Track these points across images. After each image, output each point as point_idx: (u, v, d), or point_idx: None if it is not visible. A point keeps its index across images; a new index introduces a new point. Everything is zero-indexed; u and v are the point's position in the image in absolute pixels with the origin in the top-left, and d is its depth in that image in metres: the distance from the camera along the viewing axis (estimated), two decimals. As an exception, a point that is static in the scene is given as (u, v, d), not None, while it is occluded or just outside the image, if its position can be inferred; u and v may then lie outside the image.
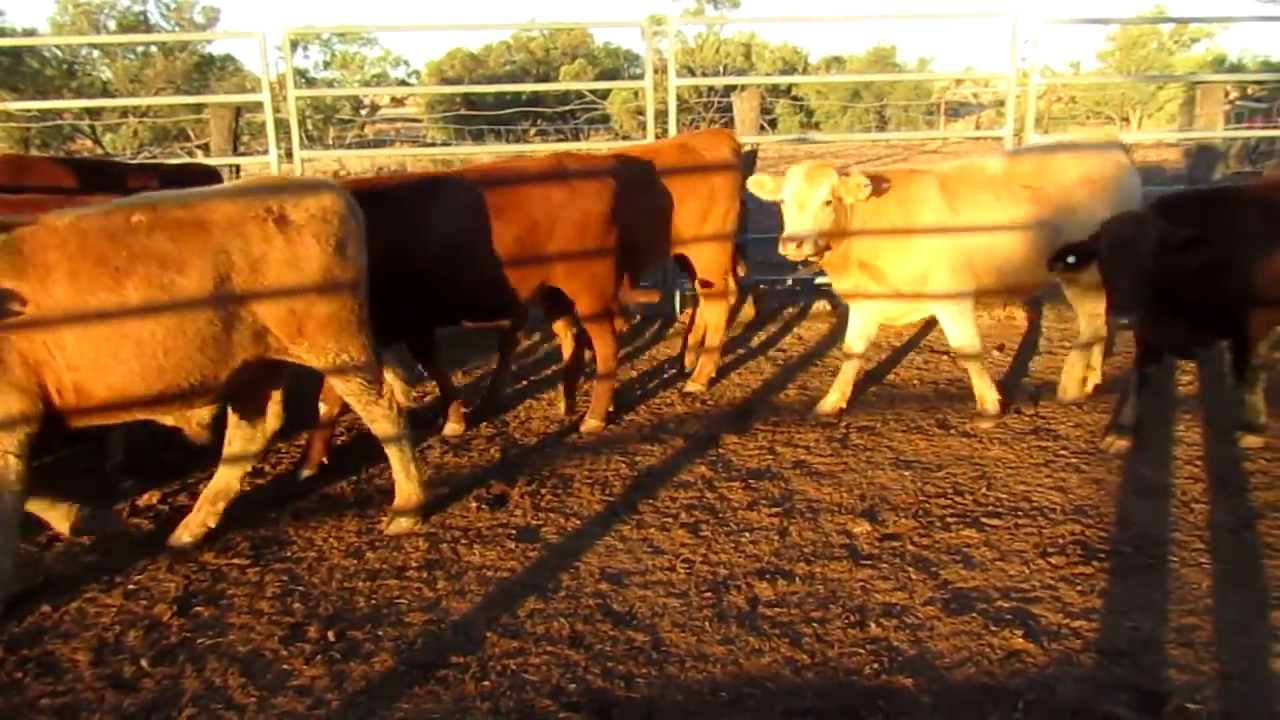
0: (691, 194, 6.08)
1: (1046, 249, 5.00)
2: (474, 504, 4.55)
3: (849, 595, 3.67)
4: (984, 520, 4.23)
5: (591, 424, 5.51)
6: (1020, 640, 3.33)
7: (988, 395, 5.39)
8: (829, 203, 4.94)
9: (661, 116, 8.10)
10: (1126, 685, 3.07)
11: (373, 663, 3.34)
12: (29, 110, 20.83)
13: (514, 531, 4.28)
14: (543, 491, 4.67)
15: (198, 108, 21.54)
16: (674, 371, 6.62)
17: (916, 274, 5.22)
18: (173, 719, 3.08)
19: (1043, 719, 2.93)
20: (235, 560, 4.08)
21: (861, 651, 3.31)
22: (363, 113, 31.43)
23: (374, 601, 3.75)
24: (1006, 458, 4.91)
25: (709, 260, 6.24)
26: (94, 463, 5.12)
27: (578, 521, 4.36)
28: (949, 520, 4.24)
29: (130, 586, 3.91)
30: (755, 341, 7.32)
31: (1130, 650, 3.26)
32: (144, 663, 3.38)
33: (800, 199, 4.97)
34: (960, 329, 5.32)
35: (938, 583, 3.74)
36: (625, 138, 26.56)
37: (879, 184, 5.05)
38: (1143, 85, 24.57)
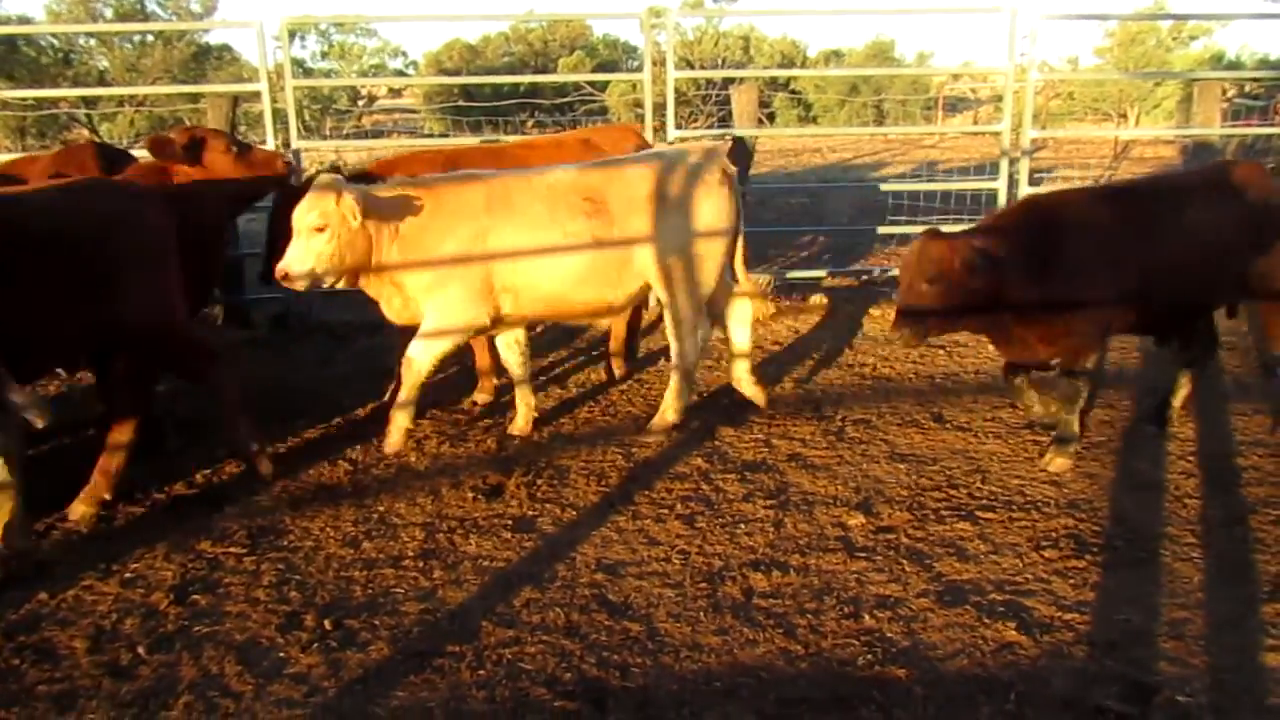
0: None
1: (613, 272, 4.88)
2: (470, 494, 4.56)
3: (843, 587, 3.70)
4: (978, 513, 4.25)
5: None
6: (1013, 632, 3.36)
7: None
8: (321, 229, 4.44)
9: (660, 109, 8.10)
10: (1118, 677, 3.10)
11: (369, 651, 3.36)
12: (25, 99, 20.77)
13: (510, 522, 4.29)
14: (539, 482, 4.68)
15: (194, 97, 21.45)
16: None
17: (426, 285, 4.78)
18: (170, 706, 3.09)
19: (1034, 710, 2.96)
20: (232, 549, 4.10)
21: (855, 642, 3.34)
22: (360, 103, 31.34)
23: (370, 590, 3.76)
24: (1001, 452, 4.94)
25: None
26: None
27: (574, 512, 4.38)
28: (943, 513, 4.27)
29: (127, 575, 3.92)
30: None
31: (1122, 643, 3.28)
32: (141, 650, 3.39)
33: (297, 224, 4.50)
34: (427, 352, 4.80)
35: (931, 575, 3.76)
36: (623, 130, 26.49)
37: (399, 202, 4.64)
38: (1140, 82, 24.54)
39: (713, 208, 5.06)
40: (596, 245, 4.88)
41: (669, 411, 5.25)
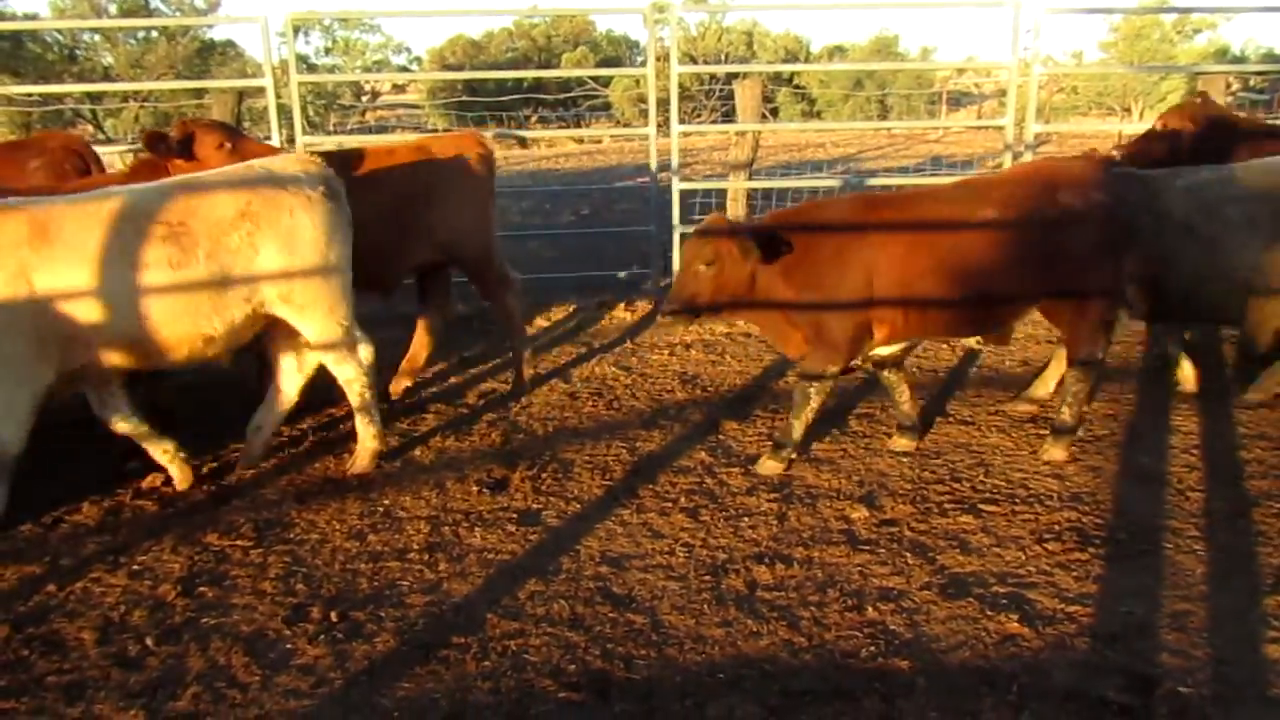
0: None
1: (205, 310, 4.27)
2: (475, 488, 4.58)
3: (846, 579, 3.71)
4: (981, 506, 4.26)
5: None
6: (1015, 624, 3.37)
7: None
8: None
9: (663, 104, 8.11)
10: (1120, 669, 3.11)
11: (375, 643, 3.38)
12: (30, 95, 20.79)
13: (515, 515, 4.31)
14: (543, 476, 4.70)
15: (199, 93, 21.49)
16: (673, 357, 6.64)
17: None
18: (178, 696, 3.12)
19: (1037, 702, 2.97)
20: (238, 542, 4.12)
21: (858, 635, 3.35)
22: (364, 99, 31.37)
23: (376, 583, 3.78)
24: (1004, 445, 4.95)
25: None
26: (98, 448, 5.15)
27: (578, 506, 4.40)
28: (946, 506, 4.28)
29: (135, 567, 3.94)
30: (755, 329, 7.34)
31: (1124, 635, 3.30)
32: (149, 641, 3.42)
33: None
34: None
35: (934, 568, 3.77)
36: (626, 125, 26.54)
37: None
38: (1145, 76, 24.50)
39: (315, 223, 4.50)
40: (179, 275, 4.19)
41: (368, 441, 4.86)
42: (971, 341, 5.37)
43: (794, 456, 4.74)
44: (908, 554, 3.88)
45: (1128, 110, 25.81)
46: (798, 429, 4.64)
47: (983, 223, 4.44)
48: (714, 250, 4.37)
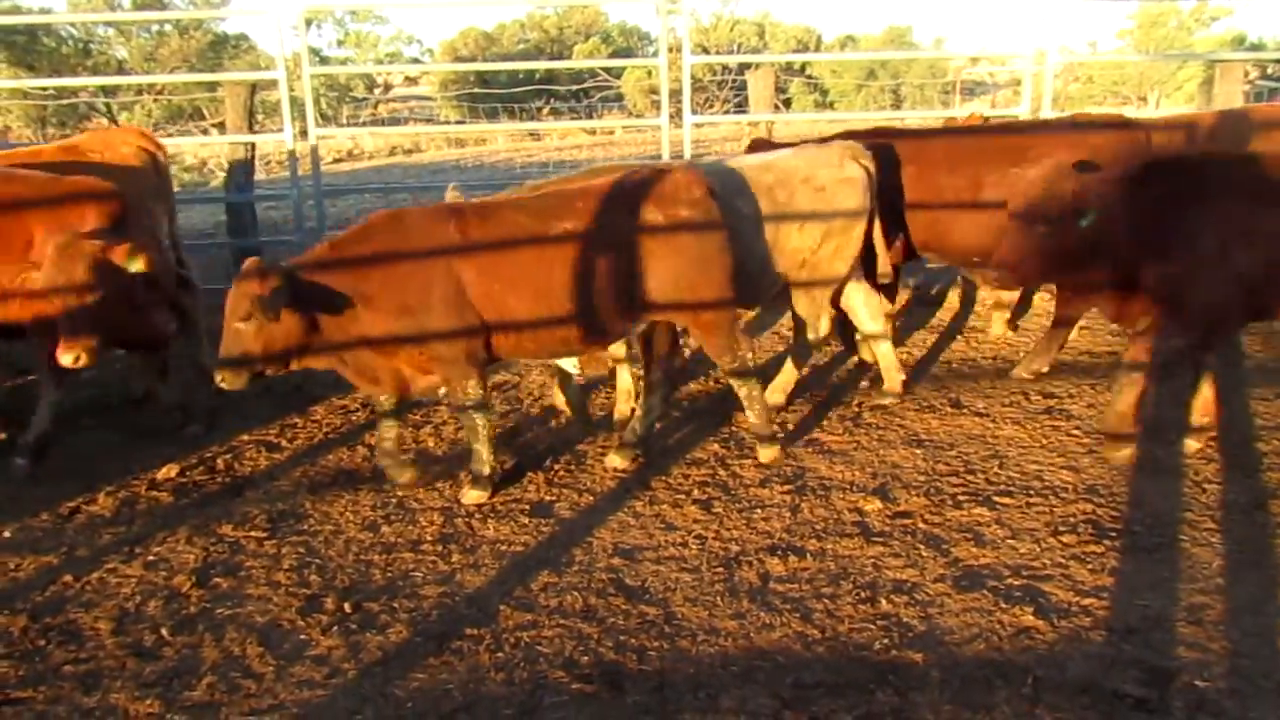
0: None
1: None
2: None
3: (860, 572, 3.70)
4: (995, 498, 4.24)
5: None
6: (1030, 617, 3.35)
7: None
8: None
9: (676, 95, 8.08)
10: (1136, 662, 3.09)
11: (388, 634, 3.39)
12: (45, 88, 20.91)
13: (527, 507, 4.32)
14: (556, 468, 4.70)
15: (211, 86, 21.58)
16: (686, 349, 6.63)
17: None
18: (193, 686, 3.13)
19: (1052, 695, 2.95)
20: (253, 533, 4.14)
21: (872, 627, 3.34)
22: (376, 91, 31.41)
23: (389, 574, 3.80)
24: (1019, 437, 4.91)
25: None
26: (114, 439, 5.19)
27: (591, 497, 4.40)
28: (960, 498, 4.26)
29: (150, 558, 3.97)
30: (766, 322, 7.31)
31: (1140, 628, 3.27)
32: (164, 632, 3.44)
33: None
34: None
35: (948, 560, 3.76)
36: (639, 116, 26.47)
37: None
38: (1161, 64, 24.29)
39: None
40: None
41: None
42: (569, 365, 4.90)
43: (493, 484, 4.41)
44: (921, 546, 3.87)
45: (1144, 99, 25.60)
46: (485, 456, 4.35)
47: (563, 235, 4.17)
48: (248, 302, 3.86)
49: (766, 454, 4.68)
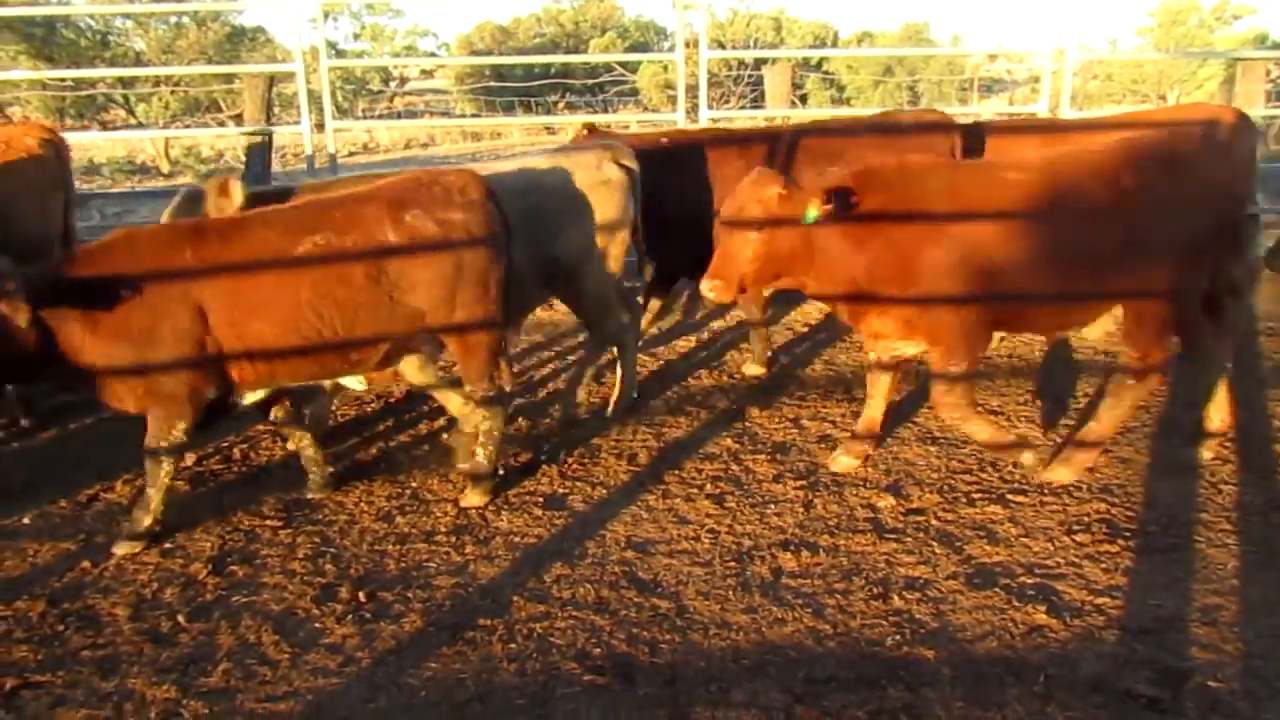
0: None
1: None
2: (501, 471, 4.60)
3: (872, 568, 3.70)
4: (1009, 497, 4.23)
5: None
6: (1043, 616, 3.35)
7: None
8: None
9: (692, 90, 8.08)
10: (1149, 662, 3.09)
11: (402, 623, 3.41)
12: (64, 80, 21.05)
13: (541, 499, 4.33)
14: (569, 461, 4.72)
15: (228, 78, 21.68)
16: (700, 344, 6.63)
17: None
18: (209, 672, 3.17)
19: (1064, 693, 2.95)
20: (268, 522, 4.17)
21: (884, 623, 3.34)
22: (392, 84, 31.48)
23: (403, 564, 3.82)
24: (1033, 435, 4.90)
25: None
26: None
27: (604, 491, 4.41)
28: (974, 496, 4.25)
29: (167, 545, 4.00)
30: (781, 317, 7.31)
31: (1154, 628, 3.26)
32: (181, 618, 3.47)
33: None
34: None
35: (961, 557, 3.75)
36: (654, 111, 26.46)
37: None
38: (1182, 62, 24.10)
39: None
40: None
41: None
42: (353, 383, 4.54)
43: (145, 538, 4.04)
44: (934, 543, 3.87)
45: (1163, 97, 25.41)
46: (153, 507, 3.99)
47: (316, 251, 3.89)
48: None
49: (474, 497, 4.28)
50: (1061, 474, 4.32)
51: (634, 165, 5.03)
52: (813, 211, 3.93)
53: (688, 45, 8.05)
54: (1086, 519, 4.01)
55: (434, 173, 4.21)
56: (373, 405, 5.55)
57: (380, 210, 3.98)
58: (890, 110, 7.11)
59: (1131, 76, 26.02)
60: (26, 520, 4.26)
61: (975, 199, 4.03)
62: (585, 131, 5.85)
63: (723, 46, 28.38)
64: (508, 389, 4.29)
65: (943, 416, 4.43)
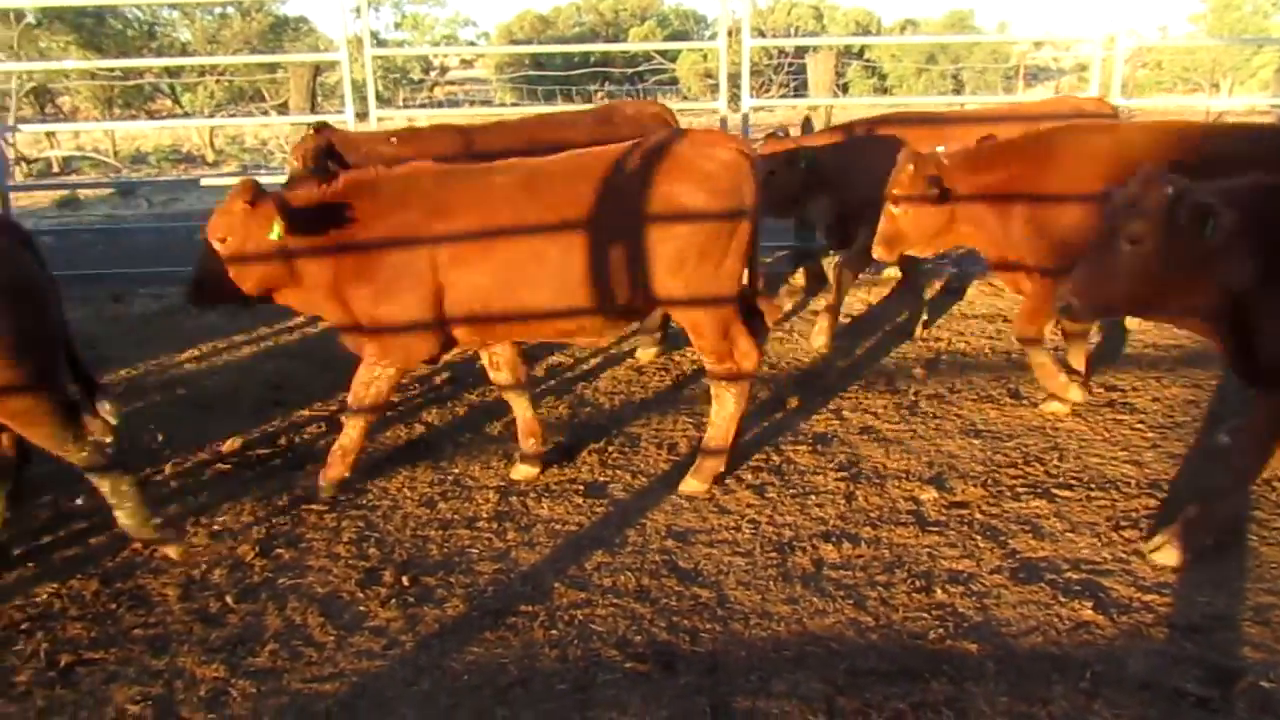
0: None
1: None
2: (543, 459, 4.62)
3: (915, 561, 3.67)
4: (1055, 491, 4.18)
5: None
6: (1089, 612, 3.30)
7: None
8: None
9: (734, 79, 8.03)
10: (1199, 661, 3.03)
11: (445, 608, 3.45)
12: (112, 70, 21.39)
13: (581, 487, 4.35)
14: (610, 449, 4.73)
15: (272, 68, 21.92)
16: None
17: None
18: (256, 653, 3.22)
19: (1111, 690, 2.91)
20: (313, 506, 4.22)
21: (926, 616, 3.32)
22: (432, 74, 31.64)
23: (446, 550, 3.86)
24: (1080, 430, 4.82)
25: None
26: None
27: (644, 480, 4.42)
28: (1019, 490, 4.20)
29: (215, 527, 4.07)
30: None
31: (1203, 626, 3.21)
32: (229, 599, 3.53)
33: None
34: None
35: (1005, 552, 3.71)
36: (694, 99, 26.34)
37: None
38: (1235, 49, 23.50)
39: None
40: None
41: None
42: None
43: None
44: (978, 537, 3.82)
45: (1216, 86, 24.82)
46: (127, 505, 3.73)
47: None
48: None
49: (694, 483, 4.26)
50: (694, 485, 4.27)
51: None
52: (276, 229, 3.86)
53: (730, 33, 8.00)
54: (1134, 515, 3.94)
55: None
56: (414, 390, 5.60)
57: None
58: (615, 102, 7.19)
59: (1183, 64, 25.44)
60: (79, 501, 4.31)
61: (449, 204, 4.00)
62: (312, 130, 5.77)
63: (762, 34, 28.18)
64: (101, 453, 3.69)
65: None
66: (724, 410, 4.27)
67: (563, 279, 3.98)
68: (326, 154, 5.50)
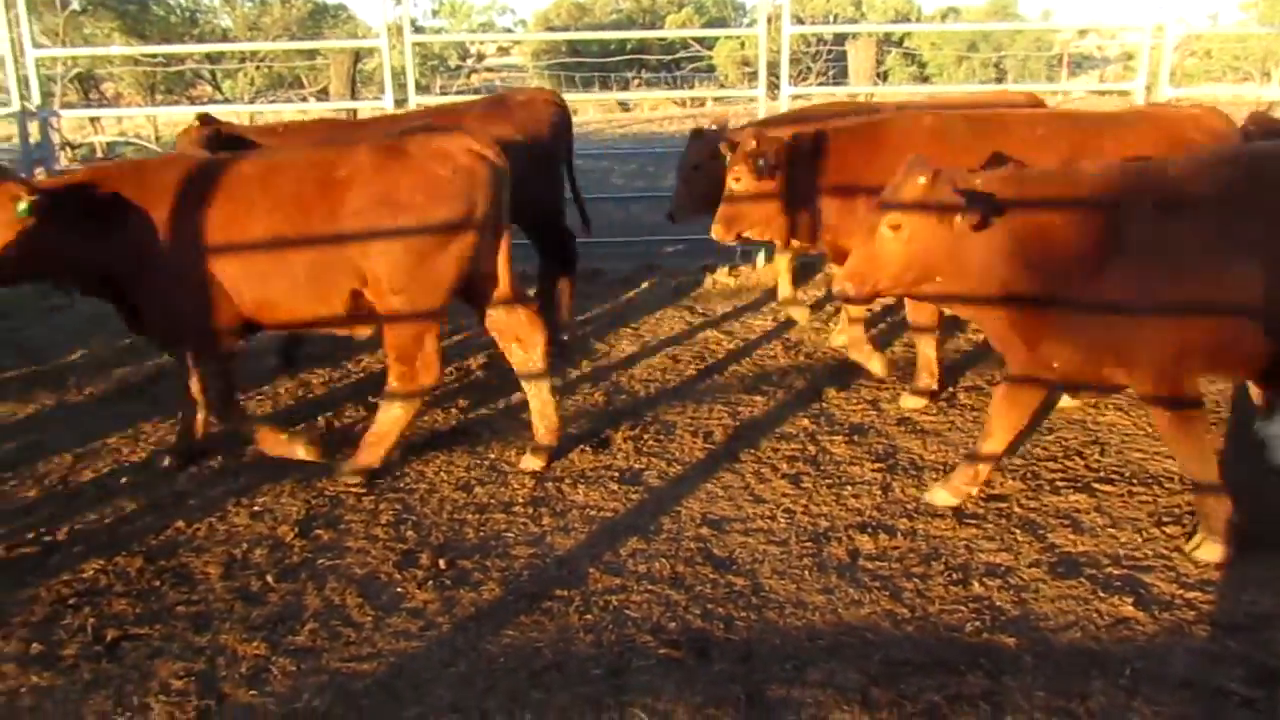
0: None
1: None
2: (579, 446, 4.64)
3: (951, 553, 3.64)
4: (1095, 486, 4.12)
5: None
6: (1129, 608, 3.26)
7: None
8: None
9: (773, 66, 7.97)
10: (1242, 660, 2.99)
11: (481, 591, 3.48)
12: (155, 56, 21.64)
13: (617, 474, 4.36)
14: (645, 437, 4.73)
15: (310, 55, 22.09)
16: (776, 322, 6.58)
17: None
18: (296, 631, 3.27)
19: (1152, 688, 2.87)
20: (352, 488, 4.27)
21: (963, 609, 3.29)
22: (469, 60, 31.73)
23: (482, 533, 3.89)
24: (1121, 424, 4.76)
25: None
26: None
27: (679, 467, 4.42)
28: (1058, 484, 4.15)
29: (256, 508, 4.14)
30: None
31: (1248, 625, 3.15)
32: (269, 578, 3.59)
33: None
34: None
35: (1044, 545, 3.67)
36: (731, 87, 26.19)
37: None
38: (1287, 38, 22.93)
39: None
40: None
41: None
42: None
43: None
44: (1016, 530, 3.79)
45: (1267, 75, 24.25)
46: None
47: None
48: None
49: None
50: (351, 471, 4.31)
51: None
52: (23, 205, 3.81)
53: (769, 20, 7.94)
54: (1177, 511, 3.89)
55: None
56: (451, 375, 5.64)
57: None
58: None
59: (1233, 53, 24.85)
60: (125, 480, 4.41)
61: (191, 194, 4.06)
62: (198, 122, 5.80)
63: (800, 21, 27.94)
64: None
65: None
66: (389, 414, 4.31)
67: (285, 272, 4.08)
68: (215, 144, 5.53)
